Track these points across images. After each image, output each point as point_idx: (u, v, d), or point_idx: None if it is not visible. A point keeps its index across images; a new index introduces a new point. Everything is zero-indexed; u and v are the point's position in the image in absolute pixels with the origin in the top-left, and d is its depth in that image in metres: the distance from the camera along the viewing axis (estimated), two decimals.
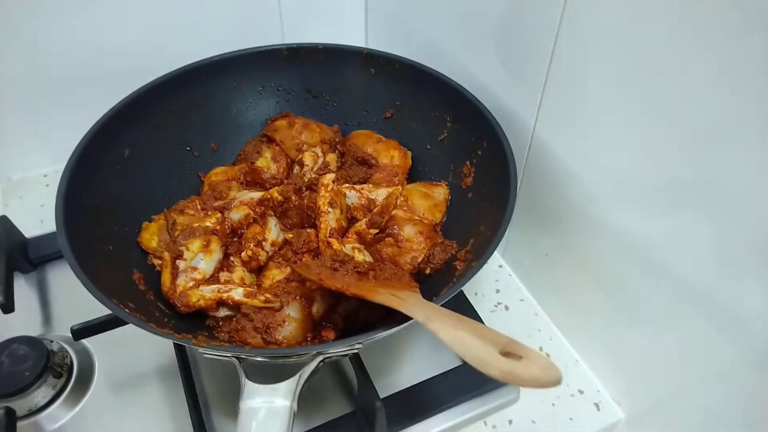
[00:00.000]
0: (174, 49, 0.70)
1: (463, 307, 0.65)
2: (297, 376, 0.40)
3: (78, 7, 0.71)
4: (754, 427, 0.46)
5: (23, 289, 0.68)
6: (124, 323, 0.57)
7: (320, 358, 0.42)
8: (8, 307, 0.59)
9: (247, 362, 0.42)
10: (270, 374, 0.41)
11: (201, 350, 0.42)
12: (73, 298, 0.68)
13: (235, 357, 0.41)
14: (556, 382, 0.33)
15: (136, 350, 0.62)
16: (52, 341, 0.60)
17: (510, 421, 0.58)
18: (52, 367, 0.57)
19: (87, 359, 0.61)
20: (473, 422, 0.58)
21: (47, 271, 0.71)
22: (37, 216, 0.77)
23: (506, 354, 0.35)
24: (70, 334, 0.61)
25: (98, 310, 0.55)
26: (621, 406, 0.59)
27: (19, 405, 0.56)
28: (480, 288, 0.70)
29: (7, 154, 0.81)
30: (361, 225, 0.58)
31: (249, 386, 0.39)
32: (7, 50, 0.72)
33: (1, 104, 0.76)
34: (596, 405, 0.60)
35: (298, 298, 0.52)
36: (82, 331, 0.56)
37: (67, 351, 0.61)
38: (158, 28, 0.78)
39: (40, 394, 0.57)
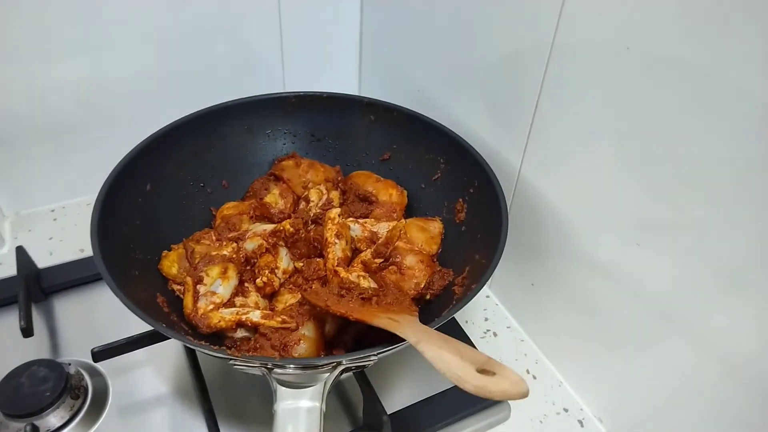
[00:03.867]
0: (179, 97, 0.75)
1: (456, 333, 0.70)
2: (322, 382, 0.45)
3: (85, 52, 0.77)
4: None
5: (35, 317, 0.70)
6: (142, 346, 0.61)
7: (341, 368, 0.47)
8: (28, 332, 0.62)
9: (275, 373, 0.46)
10: (295, 384, 0.46)
11: (232, 362, 0.46)
12: (81, 326, 0.71)
13: (265, 367, 0.46)
14: (523, 395, 0.38)
15: (149, 374, 0.66)
16: (69, 364, 0.63)
17: None
18: (70, 388, 0.60)
19: (101, 383, 0.64)
20: None
21: (57, 301, 0.74)
22: (46, 248, 0.81)
23: (483, 371, 0.40)
24: (85, 359, 0.65)
25: (106, 337, 0.60)
26: (603, 423, 0.65)
27: (38, 425, 0.58)
28: (470, 317, 0.76)
29: (16, 190, 0.85)
30: (367, 255, 0.64)
31: (281, 390, 0.44)
32: (13, 92, 0.76)
33: (9, 143, 0.80)
34: (580, 422, 0.65)
35: (311, 319, 0.57)
36: (102, 353, 0.59)
37: (83, 374, 0.63)
38: (165, 75, 0.83)
39: (58, 415, 0.59)
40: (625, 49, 0.48)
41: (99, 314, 0.72)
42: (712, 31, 0.42)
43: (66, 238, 0.83)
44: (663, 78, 0.46)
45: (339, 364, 0.46)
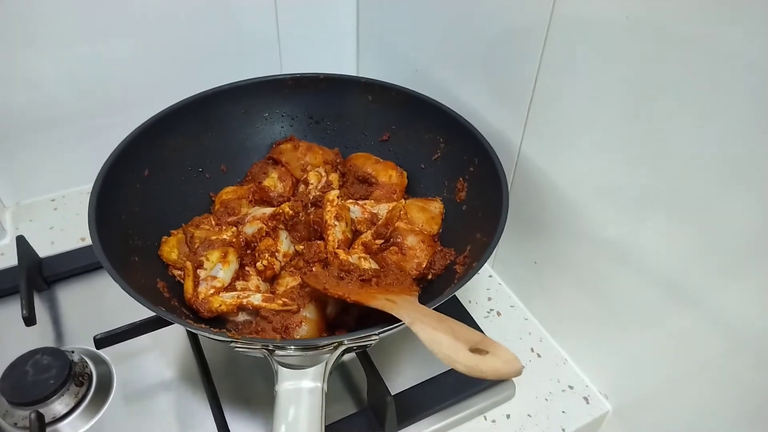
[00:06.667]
0: (176, 82, 0.74)
1: (459, 314, 0.70)
2: (323, 363, 0.45)
3: (80, 39, 0.76)
4: (736, 414, 0.50)
5: (38, 306, 0.71)
6: (144, 332, 0.61)
7: (342, 348, 0.46)
8: (30, 320, 0.62)
9: (277, 355, 0.46)
10: (297, 365, 0.45)
11: (234, 344, 0.46)
12: (84, 314, 0.71)
13: (266, 349, 0.45)
14: (516, 373, 0.38)
15: (152, 360, 0.66)
16: (72, 351, 0.63)
17: (508, 416, 0.63)
18: (74, 375, 0.60)
19: (105, 370, 0.64)
20: (474, 417, 0.62)
21: (60, 290, 0.74)
22: (47, 238, 0.81)
23: (477, 350, 0.40)
24: (88, 346, 0.65)
25: (109, 325, 0.60)
26: (608, 400, 0.64)
27: (43, 413, 0.58)
28: (473, 297, 0.75)
29: (16, 180, 0.85)
30: (367, 236, 0.63)
31: (283, 371, 0.43)
32: (10, 82, 0.76)
33: (7, 134, 0.79)
34: (585, 399, 0.65)
35: (312, 301, 0.56)
36: (104, 340, 0.59)
37: (86, 361, 0.64)
38: (162, 61, 0.83)
39: (63, 402, 0.59)
40: (624, 18, 0.47)
41: (101, 302, 0.72)
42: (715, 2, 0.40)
43: (67, 227, 0.82)
44: (664, 50, 0.45)
45: (340, 344, 0.46)
